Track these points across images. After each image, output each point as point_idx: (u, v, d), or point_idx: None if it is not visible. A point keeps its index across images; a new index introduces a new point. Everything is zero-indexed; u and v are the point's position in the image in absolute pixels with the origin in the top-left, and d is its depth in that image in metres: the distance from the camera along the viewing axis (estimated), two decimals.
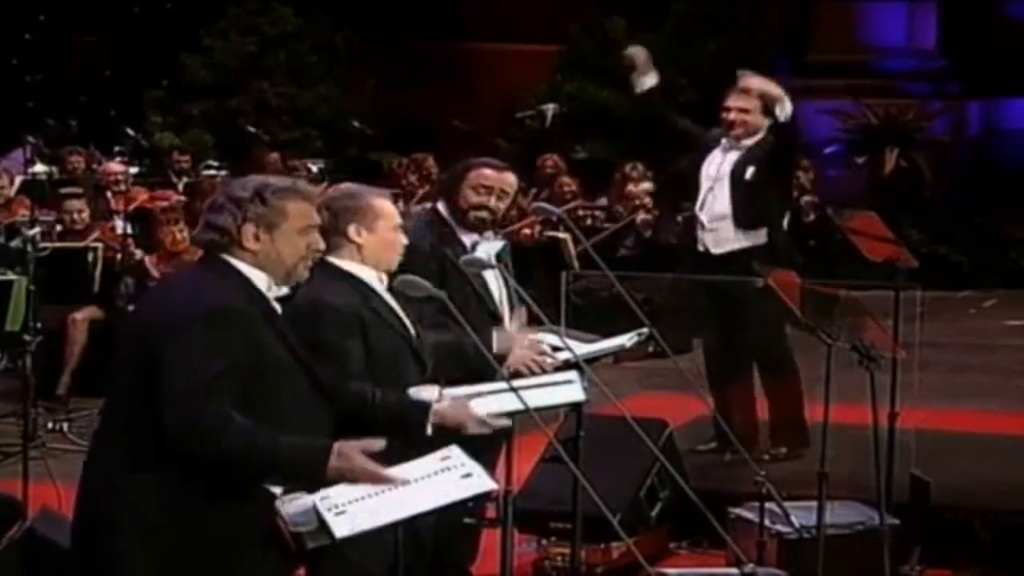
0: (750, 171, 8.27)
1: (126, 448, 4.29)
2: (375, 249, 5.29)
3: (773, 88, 8.28)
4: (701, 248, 8.37)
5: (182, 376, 4.18)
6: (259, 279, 4.41)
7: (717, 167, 8.37)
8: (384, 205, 5.36)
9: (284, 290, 4.50)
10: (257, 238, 4.40)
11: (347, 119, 19.26)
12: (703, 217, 8.39)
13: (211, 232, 4.42)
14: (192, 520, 4.25)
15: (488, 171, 6.31)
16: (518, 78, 18.81)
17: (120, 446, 4.32)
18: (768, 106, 8.26)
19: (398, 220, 5.39)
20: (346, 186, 5.49)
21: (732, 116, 8.29)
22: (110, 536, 4.27)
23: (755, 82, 8.31)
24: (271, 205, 4.42)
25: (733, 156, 8.33)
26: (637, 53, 8.52)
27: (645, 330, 6.22)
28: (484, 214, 6.27)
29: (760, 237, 8.30)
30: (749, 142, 8.32)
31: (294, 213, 4.45)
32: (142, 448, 4.25)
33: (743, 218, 8.28)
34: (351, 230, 5.22)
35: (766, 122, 8.30)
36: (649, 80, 8.48)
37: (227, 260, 4.40)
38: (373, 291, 5.27)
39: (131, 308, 10.60)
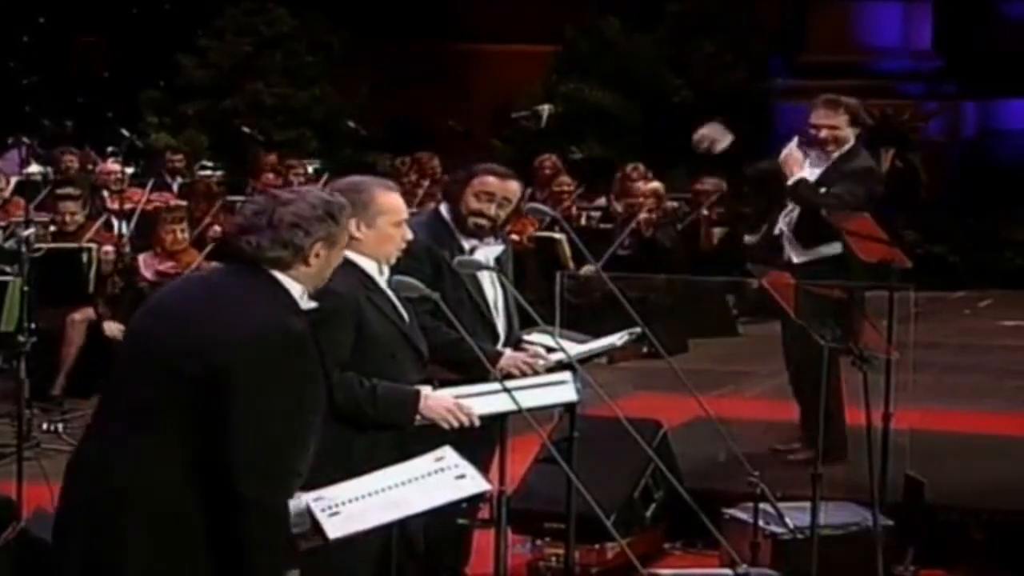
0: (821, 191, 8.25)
1: (153, 459, 4.16)
2: (373, 244, 5.29)
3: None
4: (785, 258, 8.27)
5: (261, 423, 4.11)
6: (295, 290, 4.35)
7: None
8: (388, 200, 5.33)
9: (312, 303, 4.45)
10: (318, 255, 4.36)
11: (342, 119, 19.27)
12: (783, 225, 8.35)
13: (280, 250, 4.30)
14: (205, 527, 4.19)
15: (491, 179, 6.29)
16: (514, 78, 18.83)
17: (146, 456, 4.18)
18: (855, 118, 8.34)
19: (402, 215, 5.37)
20: (352, 179, 5.42)
21: (824, 134, 8.31)
22: (119, 533, 4.17)
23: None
24: (341, 224, 4.40)
25: (816, 171, 8.31)
26: (707, 135, 8.53)
27: (637, 329, 6.22)
28: (482, 221, 6.26)
29: (835, 247, 8.17)
30: (835, 155, 8.32)
31: (350, 230, 4.51)
32: (177, 460, 4.15)
33: (806, 236, 8.24)
34: (351, 225, 5.21)
35: (854, 132, 8.36)
36: (724, 143, 8.50)
37: (270, 273, 4.31)
38: (371, 280, 5.28)
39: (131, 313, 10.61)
